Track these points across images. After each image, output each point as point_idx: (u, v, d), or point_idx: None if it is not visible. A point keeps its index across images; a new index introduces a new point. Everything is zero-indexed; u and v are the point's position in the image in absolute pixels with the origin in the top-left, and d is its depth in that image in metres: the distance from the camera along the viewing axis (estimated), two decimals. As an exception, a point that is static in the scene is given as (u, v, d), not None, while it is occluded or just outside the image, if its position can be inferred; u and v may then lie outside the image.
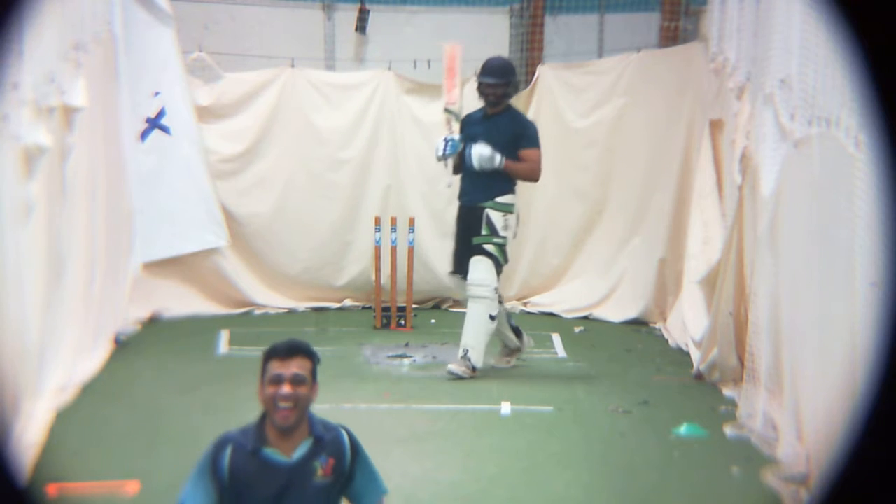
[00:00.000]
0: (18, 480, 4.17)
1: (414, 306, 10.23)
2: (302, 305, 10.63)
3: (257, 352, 9.03)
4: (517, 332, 8.48)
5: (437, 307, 10.87)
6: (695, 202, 9.46)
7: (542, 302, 10.77)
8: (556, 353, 9.14)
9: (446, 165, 8.27)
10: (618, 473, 6.11)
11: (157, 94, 9.79)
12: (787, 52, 6.32)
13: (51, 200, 6.89)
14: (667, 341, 9.61)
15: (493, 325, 8.12)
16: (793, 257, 6.20)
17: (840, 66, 4.97)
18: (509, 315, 8.54)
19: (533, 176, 8.18)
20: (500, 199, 8.11)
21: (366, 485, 3.86)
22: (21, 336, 6.11)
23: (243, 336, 9.32)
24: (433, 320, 10.27)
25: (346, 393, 7.27)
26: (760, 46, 7.12)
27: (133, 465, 5.91)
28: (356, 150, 10.64)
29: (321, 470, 3.76)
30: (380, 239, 10.10)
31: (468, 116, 8.28)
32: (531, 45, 11.03)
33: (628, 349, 9.32)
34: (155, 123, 9.81)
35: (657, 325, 10.14)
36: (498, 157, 8.04)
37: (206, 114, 10.27)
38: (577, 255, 10.82)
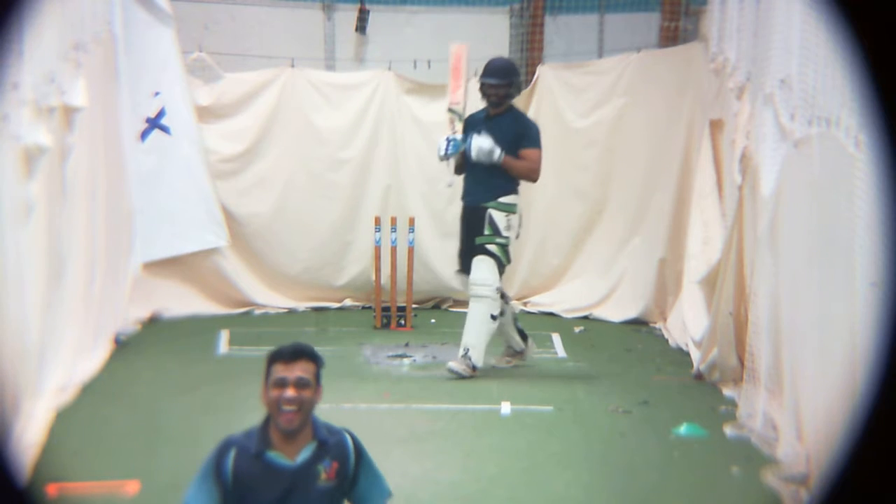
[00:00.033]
0: (18, 480, 4.16)
1: (414, 306, 10.23)
2: (302, 305, 10.63)
3: (257, 352, 9.08)
4: (523, 336, 8.48)
5: (437, 307, 10.87)
6: (695, 202, 9.46)
7: (542, 302, 10.77)
8: (556, 353, 9.14)
9: (448, 165, 8.27)
10: (618, 473, 6.11)
11: (157, 94, 9.79)
12: (787, 52, 6.32)
13: (51, 200, 6.89)
14: (667, 341, 9.61)
15: (495, 324, 8.12)
16: (793, 257, 6.20)
17: (840, 66, 4.97)
18: (516, 317, 8.54)
19: (531, 176, 8.18)
20: (503, 200, 8.11)
21: (369, 488, 3.85)
22: (21, 336, 6.11)
23: (243, 336, 9.33)
24: (433, 320, 10.27)
25: (346, 393, 7.26)
26: (760, 46, 7.11)
27: (133, 465, 5.90)
28: (356, 150, 10.64)
29: (325, 474, 3.75)
30: (380, 239, 10.10)
31: (471, 117, 8.29)
32: (531, 45, 11.03)
33: (628, 349, 9.32)
34: (155, 123, 9.81)
35: (657, 325, 10.14)
36: (497, 152, 8.04)
37: (206, 114, 10.27)
38: (577, 255, 10.82)
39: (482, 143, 8.06)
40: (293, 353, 3.75)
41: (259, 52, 10.65)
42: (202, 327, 9.62)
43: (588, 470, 6.14)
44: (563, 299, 10.73)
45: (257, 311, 10.40)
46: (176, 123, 9.89)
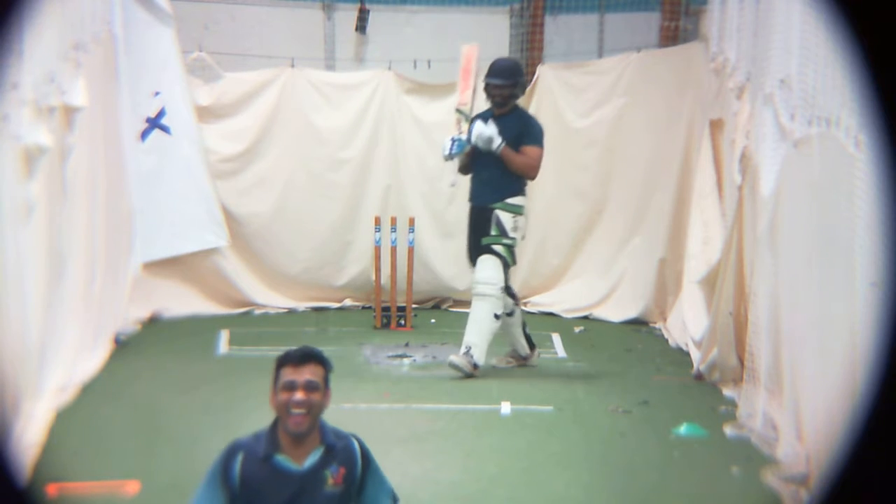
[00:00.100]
0: (18, 480, 4.16)
1: (414, 306, 10.23)
2: (302, 305, 10.63)
3: (257, 352, 9.08)
4: (531, 344, 8.48)
5: (437, 307, 10.87)
6: (695, 202, 9.46)
7: (542, 302, 10.77)
8: (556, 353, 9.14)
9: (452, 165, 8.27)
10: (618, 473, 6.10)
11: (157, 94, 9.79)
12: (786, 52, 6.32)
13: (51, 200, 6.89)
14: (667, 341, 9.61)
15: (497, 324, 8.11)
16: (793, 257, 6.20)
17: (840, 66, 4.97)
18: (525, 323, 8.53)
19: (529, 172, 8.17)
20: (510, 201, 8.12)
21: (376, 495, 3.84)
22: (21, 336, 6.11)
23: (243, 336, 9.33)
24: (433, 320, 10.27)
25: (346, 393, 7.25)
26: (760, 46, 7.11)
27: (133, 465, 5.90)
28: (356, 150, 10.65)
29: (332, 479, 3.75)
30: (380, 239, 10.10)
31: (477, 117, 8.29)
32: (531, 45, 11.03)
33: (628, 349, 9.32)
34: (155, 123, 9.81)
35: (657, 325, 10.14)
36: (497, 141, 8.05)
37: (206, 114, 10.27)
38: (577, 255, 10.82)
39: (483, 130, 8.07)
40: (302, 356, 3.75)
41: (259, 52, 10.65)
42: (202, 327, 9.62)
43: (588, 470, 6.14)
44: (563, 299, 10.73)
45: (257, 311, 10.41)
46: (176, 123, 9.89)
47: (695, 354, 8.44)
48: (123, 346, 8.70)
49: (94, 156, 8.09)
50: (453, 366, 8.01)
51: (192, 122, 10.04)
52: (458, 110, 8.29)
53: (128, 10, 9.34)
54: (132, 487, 5.54)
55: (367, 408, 7.12)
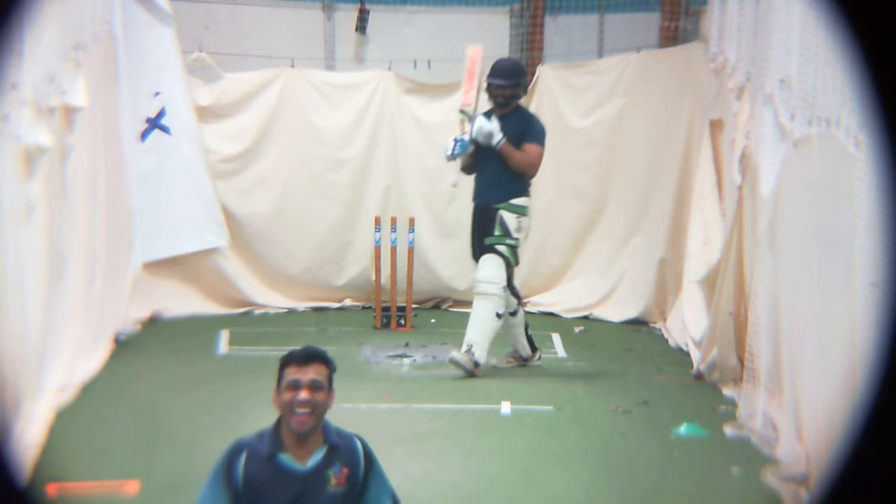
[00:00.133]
0: (18, 480, 4.16)
1: (414, 306, 10.23)
2: (302, 305, 10.63)
3: (257, 352, 9.08)
4: (533, 347, 8.48)
5: (437, 307, 10.87)
6: (695, 202, 9.46)
7: (542, 302, 10.76)
8: (556, 352, 9.14)
9: (455, 165, 8.27)
10: (618, 473, 6.10)
11: (157, 94, 9.79)
12: (786, 52, 6.32)
13: (51, 200, 6.89)
14: (667, 341, 9.61)
15: (499, 323, 8.11)
16: (793, 257, 6.20)
17: (840, 66, 4.97)
18: (528, 325, 8.53)
19: (528, 169, 8.16)
20: (514, 202, 8.12)
21: (378, 496, 3.83)
22: (22, 336, 6.11)
23: (243, 336, 9.33)
24: (433, 320, 10.27)
25: (346, 393, 7.20)
26: (760, 46, 7.11)
27: (133, 465, 5.90)
28: (356, 150, 10.64)
29: (335, 479, 3.74)
30: (380, 239, 10.10)
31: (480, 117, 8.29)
32: (531, 45, 11.03)
33: (628, 349, 9.32)
34: (155, 123, 9.81)
35: (657, 325, 10.14)
36: (498, 136, 8.05)
37: (206, 114, 10.27)
38: (577, 255, 10.82)
39: (483, 125, 8.09)
40: (307, 356, 3.76)
41: (259, 52, 10.65)
42: (202, 327, 9.62)
43: (588, 470, 6.14)
44: (563, 299, 10.73)
45: (257, 311, 10.40)
46: (176, 123, 9.89)
47: (695, 354, 8.44)
48: (123, 346, 8.70)
49: (94, 156, 8.09)
50: (454, 362, 8.00)
51: (192, 123, 10.04)
52: (462, 111, 8.29)
53: (128, 10, 9.34)
54: (132, 487, 5.54)
55: (367, 408, 7.12)
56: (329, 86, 10.67)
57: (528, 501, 5.70)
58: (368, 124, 10.65)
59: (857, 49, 3.29)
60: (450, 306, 10.86)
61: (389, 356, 8.82)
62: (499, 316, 8.08)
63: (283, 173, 10.55)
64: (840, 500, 3.30)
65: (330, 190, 10.62)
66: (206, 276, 10.23)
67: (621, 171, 10.57)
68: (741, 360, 7.45)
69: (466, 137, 8.17)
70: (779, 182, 6.51)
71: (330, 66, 10.98)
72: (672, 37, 10.67)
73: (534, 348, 8.51)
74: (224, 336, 9.32)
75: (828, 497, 3.69)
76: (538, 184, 8.64)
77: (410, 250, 10.11)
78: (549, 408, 7.31)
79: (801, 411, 5.87)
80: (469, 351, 8.01)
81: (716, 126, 9.14)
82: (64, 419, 6.61)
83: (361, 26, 10.95)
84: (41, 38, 6.38)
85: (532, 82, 10.65)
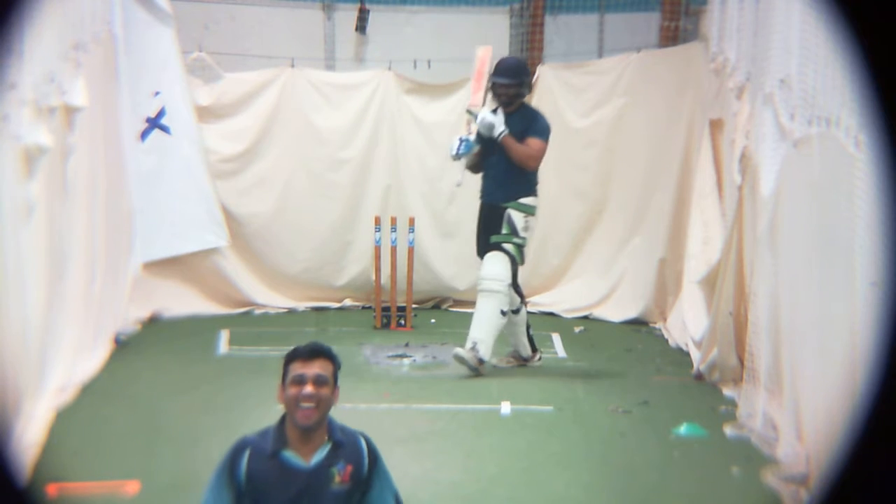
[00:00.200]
0: (18, 480, 4.16)
1: (414, 306, 10.23)
2: (302, 305, 10.63)
3: (257, 352, 9.07)
4: (532, 345, 8.48)
5: (437, 307, 10.87)
6: (695, 202, 9.46)
7: (542, 302, 10.76)
8: (556, 352, 9.14)
9: (460, 164, 8.28)
10: (618, 473, 6.10)
11: (157, 93, 9.79)
12: (786, 52, 6.32)
13: (51, 200, 6.89)
14: (667, 341, 9.61)
15: (504, 320, 8.11)
16: (793, 257, 6.20)
17: (840, 66, 4.97)
18: (530, 325, 8.53)
19: (528, 161, 8.14)
20: (523, 201, 8.13)
21: (382, 494, 3.82)
22: (21, 336, 6.11)
23: (243, 336, 9.33)
24: (433, 320, 10.27)
25: (346, 393, 7.13)
26: (760, 46, 7.11)
27: (133, 465, 5.90)
28: (356, 150, 10.64)
29: (338, 476, 3.74)
30: (380, 239, 10.10)
31: None
32: (531, 45, 11.03)
33: (628, 349, 9.32)
34: (155, 123, 9.81)
35: (657, 325, 10.14)
36: (499, 129, 8.05)
37: (206, 114, 10.27)
38: (577, 255, 10.82)
39: (486, 116, 8.09)
40: (311, 351, 3.77)
41: (259, 52, 10.65)
42: (202, 327, 9.62)
43: (588, 470, 6.14)
44: (563, 299, 10.73)
45: (257, 311, 10.40)
46: (176, 123, 9.89)
47: (695, 354, 8.44)
48: (123, 346, 8.70)
49: (94, 156, 8.09)
50: (459, 358, 7.99)
51: (192, 123, 10.04)
52: (469, 111, 8.30)
53: (128, 10, 9.34)
54: (132, 487, 5.54)
55: (366, 408, 7.11)
56: (329, 86, 10.67)
57: (528, 501, 5.70)
58: (368, 124, 10.65)
59: (857, 49, 3.29)
60: (450, 306, 10.86)
61: (389, 356, 8.82)
62: (503, 313, 8.07)
63: (283, 173, 10.55)
64: (840, 500, 3.30)
65: (330, 190, 10.62)
66: (206, 276, 10.23)
67: (621, 171, 10.57)
68: (741, 360, 7.46)
69: (472, 137, 8.17)
70: (779, 182, 6.51)
71: (330, 66, 10.98)
72: (672, 37, 10.67)
73: (534, 349, 8.51)
74: (224, 336, 9.32)
75: (828, 497, 3.69)
76: (540, 184, 8.64)
77: (410, 250, 10.11)
78: (549, 408, 7.30)
79: (801, 411, 5.87)
80: (474, 348, 8.01)
81: (716, 126, 9.15)
82: (64, 419, 6.61)
83: (361, 26, 10.96)
84: (41, 38, 6.38)
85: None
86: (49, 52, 6.74)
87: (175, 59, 9.88)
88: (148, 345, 8.93)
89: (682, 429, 6.76)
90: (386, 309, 10.03)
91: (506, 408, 7.21)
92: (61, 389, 6.93)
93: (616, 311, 10.46)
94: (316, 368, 3.73)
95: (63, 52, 7.18)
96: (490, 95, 8.29)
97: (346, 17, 11.00)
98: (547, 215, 10.59)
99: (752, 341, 6.99)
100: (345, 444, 3.78)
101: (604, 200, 10.68)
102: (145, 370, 8.13)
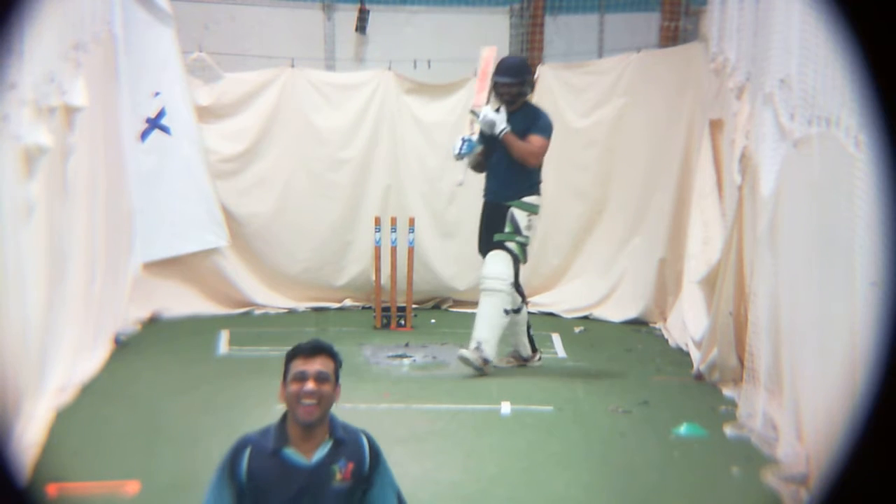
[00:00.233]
0: (18, 480, 4.16)
1: (414, 306, 10.23)
2: (302, 305, 10.63)
3: (257, 352, 9.07)
4: (533, 345, 8.47)
5: (437, 307, 10.87)
6: (695, 202, 9.47)
7: (542, 302, 10.76)
8: (556, 352, 9.13)
9: (463, 164, 8.28)
10: (618, 473, 6.11)
11: (157, 94, 9.79)
12: (786, 52, 6.32)
13: (51, 200, 6.89)
14: (667, 341, 9.61)
15: (507, 319, 8.10)
16: (793, 257, 6.20)
17: (840, 66, 4.97)
18: (530, 325, 8.52)
19: (529, 158, 8.13)
20: (526, 200, 8.13)
21: (383, 492, 3.81)
22: (21, 336, 6.11)
23: (243, 336, 9.33)
24: (433, 320, 10.27)
25: (346, 393, 7.13)
26: (760, 46, 7.12)
27: (133, 465, 5.91)
28: (356, 150, 10.64)
29: (340, 474, 3.73)
30: (380, 239, 10.10)
31: None
32: (531, 45, 11.03)
33: (628, 349, 9.32)
34: (155, 123, 9.81)
35: (657, 325, 10.14)
36: (501, 126, 8.05)
37: (206, 114, 10.27)
38: (577, 255, 10.82)
39: (488, 113, 8.09)
40: (313, 348, 3.77)
41: (259, 52, 10.65)
42: (202, 327, 9.62)
43: (588, 470, 6.14)
44: (563, 299, 10.73)
45: (257, 312, 10.40)
46: (176, 123, 9.89)
47: (695, 354, 8.44)
48: (123, 346, 8.70)
49: (94, 156, 8.09)
50: (463, 359, 7.99)
51: (192, 123, 10.04)
52: (473, 111, 8.30)
53: (128, 10, 9.34)
54: (132, 487, 5.55)
55: (366, 408, 7.11)
56: (329, 86, 10.67)
57: (528, 501, 5.70)
58: (368, 124, 10.65)
59: (856, 49, 3.29)
60: (450, 306, 10.86)
61: (389, 356, 8.82)
62: (506, 312, 8.07)
63: (283, 173, 10.55)
64: (840, 500, 3.30)
65: (330, 190, 10.62)
66: (206, 276, 10.23)
67: (621, 171, 10.57)
68: (741, 360, 7.46)
69: (475, 137, 8.17)
70: (779, 182, 6.51)
71: (330, 66, 10.98)
72: (672, 37, 10.67)
73: (534, 349, 8.51)
74: (224, 336, 9.32)
75: (828, 497, 3.69)
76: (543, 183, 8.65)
77: (410, 250, 10.11)
78: (549, 408, 7.30)
79: (801, 411, 5.87)
80: (478, 348, 8.00)
81: (716, 126, 9.15)
82: (64, 419, 6.61)
83: (361, 26, 10.95)
84: (41, 38, 6.38)
85: (532, 82, 10.66)
86: (49, 52, 6.74)
87: (175, 60, 9.88)
88: (148, 345, 8.93)
89: (682, 429, 6.76)
90: (386, 309, 10.03)
91: (506, 408, 7.21)
92: (61, 389, 6.93)
93: (616, 311, 10.46)
94: (317, 365, 3.73)
95: (63, 52, 7.18)
96: (493, 95, 8.29)
97: (346, 17, 10.99)
98: (547, 215, 10.54)
99: (752, 341, 6.99)
100: (346, 441, 3.78)
101: (604, 200, 10.68)
102: (145, 370, 8.13)
